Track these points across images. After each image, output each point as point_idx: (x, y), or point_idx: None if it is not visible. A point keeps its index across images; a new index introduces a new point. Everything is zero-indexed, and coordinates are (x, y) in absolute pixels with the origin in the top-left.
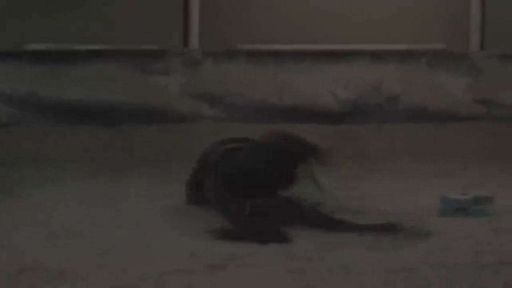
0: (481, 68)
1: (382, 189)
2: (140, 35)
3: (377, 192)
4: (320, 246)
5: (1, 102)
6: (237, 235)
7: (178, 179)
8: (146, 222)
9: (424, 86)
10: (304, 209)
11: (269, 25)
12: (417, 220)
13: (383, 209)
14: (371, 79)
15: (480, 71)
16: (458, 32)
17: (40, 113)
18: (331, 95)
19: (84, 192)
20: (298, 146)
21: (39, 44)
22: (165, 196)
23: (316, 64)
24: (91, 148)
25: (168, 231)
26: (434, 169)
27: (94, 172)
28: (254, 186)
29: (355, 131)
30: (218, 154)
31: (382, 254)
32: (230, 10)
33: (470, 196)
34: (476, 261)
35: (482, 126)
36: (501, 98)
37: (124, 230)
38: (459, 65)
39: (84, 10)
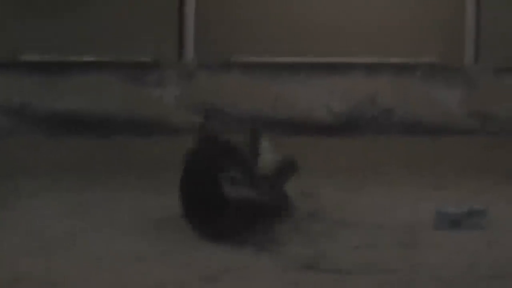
0: (475, 82)
1: (376, 202)
2: (134, 46)
3: (371, 205)
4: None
5: None
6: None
7: (172, 191)
8: (139, 233)
9: (419, 99)
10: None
11: (264, 37)
12: (411, 233)
13: (377, 222)
14: (365, 92)
15: (474, 85)
16: (453, 45)
17: (34, 124)
18: (326, 107)
19: (77, 203)
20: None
21: (33, 55)
22: (158, 208)
23: (311, 76)
24: (85, 159)
25: (161, 242)
26: (429, 182)
27: (87, 183)
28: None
29: (349, 144)
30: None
31: None
32: (225, 22)
33: (464, 209)
34: (470, 274)
35: (476, 139)
36: (495, 112)
37: (117, 241)
38: (453, 79)
39: (79, 21)
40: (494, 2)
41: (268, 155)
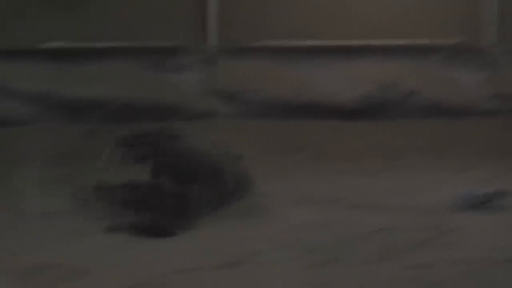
0: (498, 63)
1: (398, 185)
2: (156, 31)
3: (393, 188)
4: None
5: (18, 100)
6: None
7: None
8: None
9: (440, 81)
10: None
11: (285, 21)
12: (433, 215)
13: (398, 205)
14: (387, 75)
15: (497, 66)
16: (474, 26)
17: (56, 111)
18: (348, 91)
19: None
20: None
21: (55, 42)
22: None
23: (332, 60)
24: (107, 145)
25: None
26: (451, 164)
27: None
28: None
29: (371, 127)
30: None
31: None
32: (248, 7)
33: (486, 191)
34: (492, 256)
35: (498, 121)
36: None
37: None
38: (476, 60)
39: (100, 7)
40: None
41: None
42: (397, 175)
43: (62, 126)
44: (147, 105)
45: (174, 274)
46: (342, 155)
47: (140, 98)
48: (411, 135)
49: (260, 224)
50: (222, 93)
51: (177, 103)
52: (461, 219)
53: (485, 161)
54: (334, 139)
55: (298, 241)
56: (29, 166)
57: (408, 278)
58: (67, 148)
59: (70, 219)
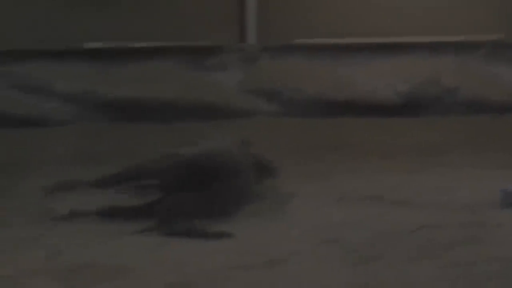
0: None
1: (440, 182)
2: (196, 31)
3: (435, 185)
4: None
5: (58, 100)
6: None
7: None
8: None
9: (483, 77)
10: None
11: (326, 19)
12: (475, 212)
13: (440, 202)
14: (429, 72)
15: None
16: None
17: (97, 111)
18: (389, 88)
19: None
20: None
21: (96, 42)
22: None
23: (373, 57)
24: (147, 145)
25: (224, 224)
26: (492, 161)
27: None
28: None
29: (412, 124)
30: None
31: None
32: (287, 5)
33: None
34: None
35: None
36: None
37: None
38: None
39: (139, 7)
40: None
41: None
42: (438, 172)
43: (102, 126)
44: (187, 104)
45: (215, 272)
46: (382, 153)
47: (180, 98)
48: (452, 132)
49: (301, 223)
50: (262, 92)
51: (217, 102)
52: (501, 217)
53: None
54: (374, 137)
55: (339, 239)
56: (68, 166)
57: (449, 275)
58: (107, 148)
59: (106, 220)
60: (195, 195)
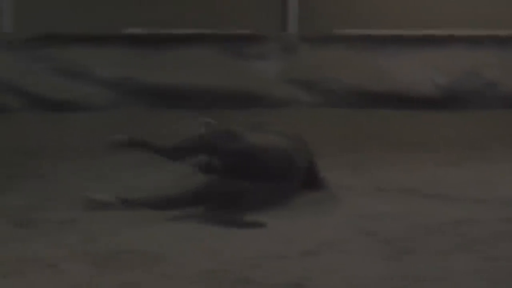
0: None
1: (478, 177)
2: (237, 19)
3: (473, 180)
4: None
5: (99, 85)
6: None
7: None
8: None
9: None
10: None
11: (367, 9)
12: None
13: (478, 197)
14: (469, 65)
15: None
16: None
17: (137, 96)
18: (429, 81)
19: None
20: None
21: (136, 28)
22: None
23: (414, 49)
24: (186, 131)
25: (259, 216)
26: None
27: None
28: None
29: (452, 118)
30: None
31: None
32: None
33: None
34: None
35: None
36: None
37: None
38: None
39: None
40: None
41: None
42: (477, 166)
43: (141, 112)
44: (227, 92)
45: (249, 260)
46: (420, 146)
47: (219, 86)
48: (491, 126)
49: (336, 213)
50: (301, 82)
51: (257, 91)
52: None
53: None
54: (412, 129)
55: (375, 231)
56: (109, 152)
57: (484, 270)
58: (145, 133)
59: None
60: (247, 185)
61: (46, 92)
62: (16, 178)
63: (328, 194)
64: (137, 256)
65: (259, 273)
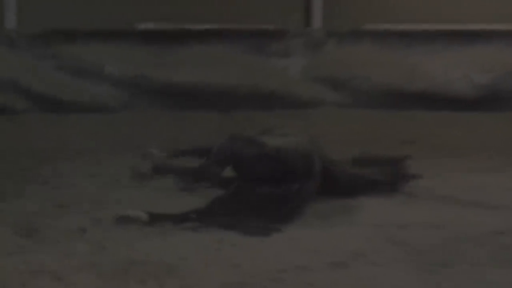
0: None
1: None
2: (258, 13)
3: None
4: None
5: (110, 84)
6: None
7: None
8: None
9: None
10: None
11: (397, 3)
12: None
13: None
14: (508, 62)
15: None
16: None
17: (150, 97)
18: (466, 79)
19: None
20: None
21: (149, 23)
22: None
23: (449, 45)
24: (203, 135)
25: (283, 226)
26: None
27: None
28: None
29: (491, 119)
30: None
31: None
32: None
33: None
34: None
35: None
36: None
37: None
38: None
39: None
40: None
41: None
42: None
43: (155, 114)
44: (247, 92)
45: (273, 273)
46: (457, 150)
47: (239, 85)
48: None
49: (367, 222)
50: (328, 80)
51: (279, 90)
52: None
53: None
54: (448, 132)
55: (407, 242)
56: (119, 156)
57: None
58: (159, 137)
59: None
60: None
61: (52, 92)
62: (23, 183)
63: (356, 201)
64: (150, 268)
65: (283, 285)
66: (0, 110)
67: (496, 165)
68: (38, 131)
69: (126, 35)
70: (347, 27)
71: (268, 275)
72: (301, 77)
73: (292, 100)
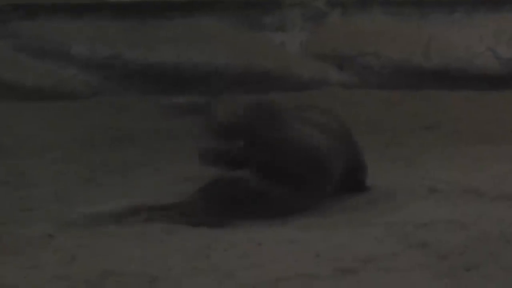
0: None
1: None
2: None
3: None
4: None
5: (78, 67)
6: None
7: None
8: None
9: None
10: None
11: None
12: None
13: None
14: None
15: None
16: None
17: (124, 81)
18: (491, 53)
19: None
20: None
21: None
22: None
23: (471, 14)
24: (185, 124)
25: (284, 227)
26: None
27: (188, 155)
28: None
29: None
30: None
31: None
32: None
33: None
34: None
35: None
36: None
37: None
38: None
39: None
40: None
41: None
42: None
43: (131, 100)
44: (239, 72)
45: (274, 283)
46: (482, 135)
47: (230, 64)
48: None
49: (381, 221)
50: (331, 57)
51: (275, 70)
52: None
53: None
54: (472, 115)
55: (428, 243)
56: (91, 151)
57: None
58: (137, 128)
59: (136, 219)
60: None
61: (10, 77)
62: None
63: (369, 198)
64: (129, 280)
65: None
66: None
67: None
68: None
69: (96, 8)
70: None
71: (265, 285)
72: (301, 54)
73: (291, 81)
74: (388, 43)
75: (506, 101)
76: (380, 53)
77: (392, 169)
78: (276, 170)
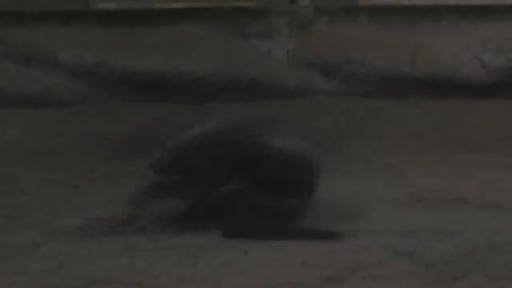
0: None
1: None
2: None
3: None
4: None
5: (65, 74)
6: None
7: None
8: None
9: None
10: None
11: None
12: None
13: None
14: None
15: None
16: None
17: (111, 88)
18: (478, 61)
19: None
20: None
21: (109, 2)
22: None
23: (458, 23)
24: (173, 130)
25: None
26: None
27: None
28: None
29: (507, 108)
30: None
31: None
32: None
33: None
34: None
35: None
36: None
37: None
38: None
39: None
40: None
41: None
42: None
43: (118, 108)
44: (225, 80)
45: None
46: (468, 144)
47: (216, 72)
48: None
49: (367, 230)
50: (318, 65)
51: (262, 78)
52: None
53: None
54: (459, 123)
55: (412, 251)
56: (78, 158)
57: None
58: (123, 134)
59: (123, 227)
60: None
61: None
62: None
63: (355, 206)
64: (116, 287)
65: None
66: None
67: None
68: None
69: (83, 16)
70: (339, 3)
71: None
72: (287, 62)
73: (277, 89)
74: (374, 51)
75: (492, 110)
76: (366, 61)
77: (378, 177)
78: (260, 182)
